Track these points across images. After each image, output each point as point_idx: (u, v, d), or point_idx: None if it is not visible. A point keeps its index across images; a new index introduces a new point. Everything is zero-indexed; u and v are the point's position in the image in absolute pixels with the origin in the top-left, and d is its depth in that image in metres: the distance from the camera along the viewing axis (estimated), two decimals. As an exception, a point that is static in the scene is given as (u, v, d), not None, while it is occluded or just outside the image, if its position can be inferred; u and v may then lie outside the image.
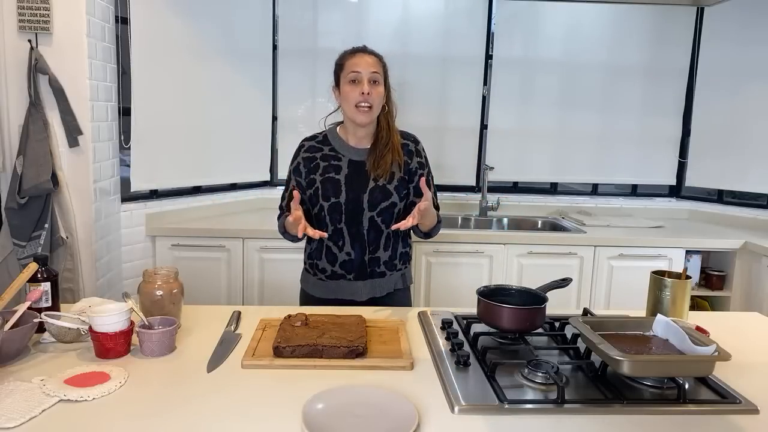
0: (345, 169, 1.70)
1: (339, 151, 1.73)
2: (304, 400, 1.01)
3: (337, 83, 1.72)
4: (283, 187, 1.82)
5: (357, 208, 1.68)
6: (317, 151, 1.74)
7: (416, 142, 1.80)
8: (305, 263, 1.84)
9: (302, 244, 1.85)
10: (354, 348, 1.24)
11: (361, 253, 1.72)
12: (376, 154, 1.70)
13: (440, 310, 1.58)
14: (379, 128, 1.73)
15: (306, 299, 1.83)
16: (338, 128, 1.78)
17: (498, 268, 2.93)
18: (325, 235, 1.55)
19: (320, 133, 1.79)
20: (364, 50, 1.70)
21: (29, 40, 2.24)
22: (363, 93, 1.63)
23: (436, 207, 1.78)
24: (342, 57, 1.71)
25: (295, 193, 1.55)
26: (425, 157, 1.81)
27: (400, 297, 1.80)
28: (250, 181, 3.40)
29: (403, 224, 1.52)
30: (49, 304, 1.36)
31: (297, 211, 1.51)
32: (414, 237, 1.86)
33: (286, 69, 3.38)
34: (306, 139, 1.79)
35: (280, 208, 1.82)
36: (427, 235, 1.79)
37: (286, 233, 1.74)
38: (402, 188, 1.72)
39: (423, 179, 1.55)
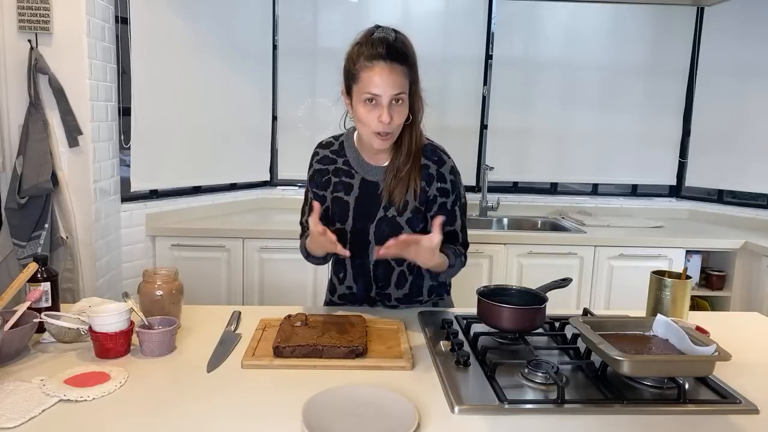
0: (356, 189, 1.48)
1: (353, 166, 1.48)
2: (304, 400, 1.01)
3: (348, 91, 1.38)
4: (303, 199, 1.59)
5: (363, 239, 1.47)
6: (330, 163, 1.50)
7: (440, 162, 1.47)
8: None
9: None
10: (354, 348, 1.24)
11: (366, 288, 1.54)
12: (394, 172, 1.43)
13: (440, 310, 1.58)
14: (400, 140, 1.43)
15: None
16: (355, 135, 1.50)
17: (498, 268, 2.93)
18: (348, 253, 1.33)
19: (337, 139, 1.53)
20: (386, 57, 1.30)
21: (29, 40, 2.24)
22: (382, 121, 1.32)
23: (463, 243, 1.51)
24: (355, 60, 1.33)
25: (316, 204, 1.34)
26: (452, 181, 1.48)
27: None
28: (250, 181, 3.41)
29: (380, 252, 1.27)
30: (49, 304, 1.36)
31: (319, 226, 1.28)
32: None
33: (286, 69, 3.38)
34: (320, 146, 1.54)
35: (301, 224, 1.59)
36: (433, 275, 1.48)
37: (309, 257, 1.50)
38: (417, 221, 1.46)
39: (437, 220, 1.27)
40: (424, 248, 1.27)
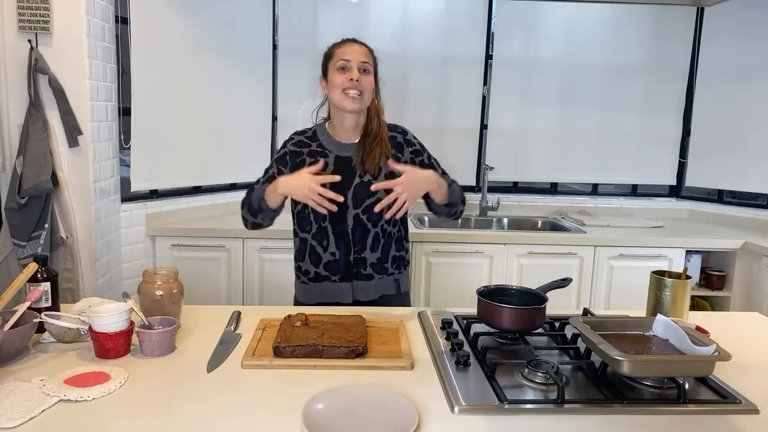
0: (331, 165, 1.66)
1: (326, 147, 1.69)
2: (304, 400, 1.01)
3: (325, 74, 1.67)
4: (263, 173, 1.76)
5: (341, 205, 1.59)
6: (305, 146, 1.70)
7: (404, 132, 1.75)
8: (294, 267, 1.79)
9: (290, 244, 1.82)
10: (354, 348, 1.24)
11: (346, 252, 1.67)
12: (365, 147, 1.65)
13: (440, 310, 1.58)
14: (368, 121, 1.69)
15: (296, 305, 1.79)
16: (327, 124, 1.74)
17: (498, 268, 2.93)
18: (337, 178, 1.54)
19: (310, 129, 1.76)
20: (354, 40, 1.66)
21: (29, 40, 2.24)
22: (352, 79, 1.58)
23: (444, 173, 1.73)
24: (331, 47, 1.68)
25: (321, 161, 1.58)
26: (419, 144, 1.76)
27: (393, 304, 1.69)
28: (250, 181, 3.37)
29: (385, 206, 1.49)
30: (49, 304, 1.36)
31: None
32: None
33: (286, 69, 3.38)
34: (296, 133, 1.76)
35: (253, 186, 1.77)
36: (451, 206, 1.66)
37: (256, 212, 1.68)
38: None
39: (389, 160, 1.57)
40: (409, 175, 1.49)
